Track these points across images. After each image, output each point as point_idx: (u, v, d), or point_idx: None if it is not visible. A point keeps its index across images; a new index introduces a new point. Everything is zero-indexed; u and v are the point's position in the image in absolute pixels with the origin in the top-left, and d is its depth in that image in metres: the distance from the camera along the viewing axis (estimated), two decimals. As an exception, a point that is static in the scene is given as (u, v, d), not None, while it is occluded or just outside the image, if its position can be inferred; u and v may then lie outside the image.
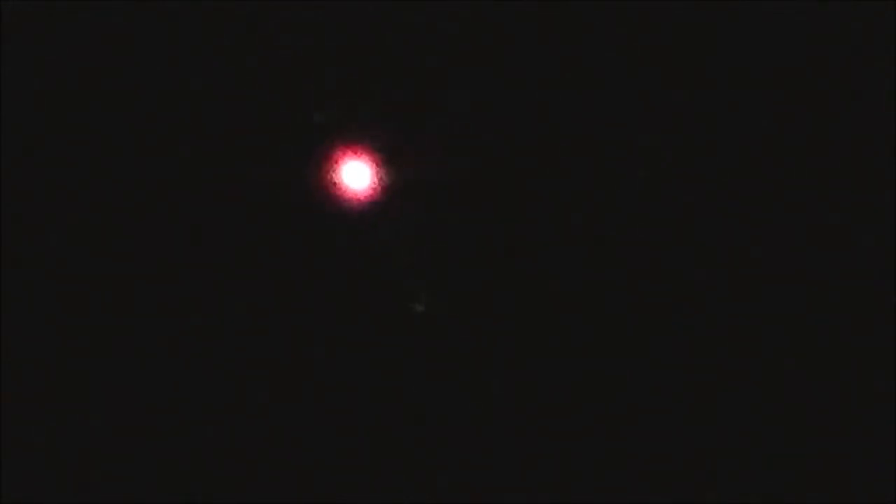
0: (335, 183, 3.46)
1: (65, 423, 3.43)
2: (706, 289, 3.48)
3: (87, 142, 3.46)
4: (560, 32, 3.48)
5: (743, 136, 3.51)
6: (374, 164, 3.46)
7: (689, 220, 3.49)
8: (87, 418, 3.43)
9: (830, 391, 3.45)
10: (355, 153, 3.46)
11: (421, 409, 3.48)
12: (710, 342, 3.48)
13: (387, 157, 3.46)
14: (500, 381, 3.49)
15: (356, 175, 3.46)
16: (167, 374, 3.45)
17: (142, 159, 3.47)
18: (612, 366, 3.48)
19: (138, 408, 3.44)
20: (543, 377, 3.49)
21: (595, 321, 3.49)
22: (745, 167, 3.51)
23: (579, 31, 3.48)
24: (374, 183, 3.46)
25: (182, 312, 3.47)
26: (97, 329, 3.45)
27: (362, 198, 3.47)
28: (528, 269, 3.50)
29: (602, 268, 3.50)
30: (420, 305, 3.46)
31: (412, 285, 3.47)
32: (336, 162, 3.46)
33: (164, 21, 3.44)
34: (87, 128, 3.47)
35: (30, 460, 3.40)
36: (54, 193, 3.46)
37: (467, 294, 3.51)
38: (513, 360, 3.49)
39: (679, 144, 3.50)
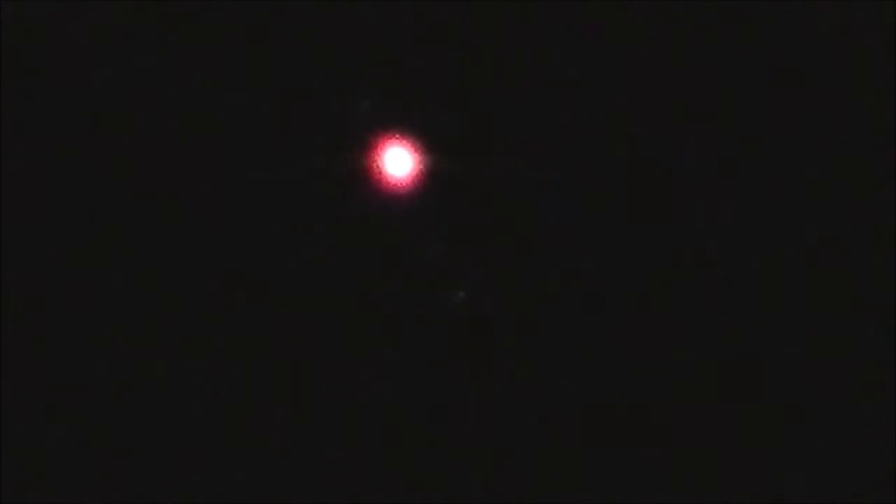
0: (376, 171, 3.47)
1: (65, 424, 3.44)
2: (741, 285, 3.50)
3: (137, 124, 3.48)
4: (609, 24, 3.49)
5: (743, 135, 3.52)
6: (415, 153, 3.47)
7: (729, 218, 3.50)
8: (111, 419, 3.45)
9: (830, 391, 3.46)
10: (396, 141, 3.47)
11: (459, 398, 3.49)
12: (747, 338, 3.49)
13: (427, 145, 3.47)
14: (538, 373, 3.49)
15: (397, 163, 3.47)
16: (212, 366, 3.48)
17: (179, 151, 3.49)
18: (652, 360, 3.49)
19: (176, 405, 3.46)
20: (587, 369, 3.49)
21: (636, 315, 3.49)
22: (745, 167, 3.52)
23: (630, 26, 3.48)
24: (415, 171, 3.47)
25: (220, 302, 3.48)
26: (153, 322, 3.48)
27: (403, 186, 3.48)
28: (566, 260, 3.50)
29: (645, 259, 3.50)
30: (461, 293, 3.48)
31: (451, 274, 3.48)
32: (377, 150, 3.47)
33: (206, 8, 3.46)
34: (135, 112, 3.48)
35: (29, 460, 3.40)
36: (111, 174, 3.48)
37: (506, 284, 3.52)
38: (551, 353, 3.49)
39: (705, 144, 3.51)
